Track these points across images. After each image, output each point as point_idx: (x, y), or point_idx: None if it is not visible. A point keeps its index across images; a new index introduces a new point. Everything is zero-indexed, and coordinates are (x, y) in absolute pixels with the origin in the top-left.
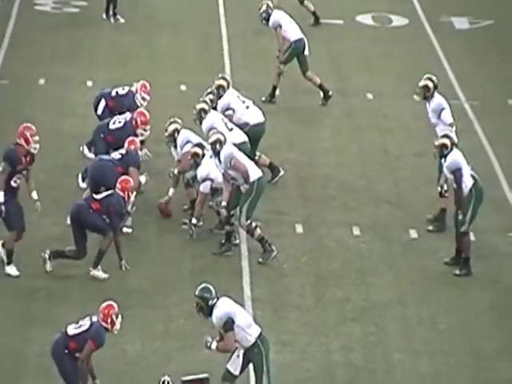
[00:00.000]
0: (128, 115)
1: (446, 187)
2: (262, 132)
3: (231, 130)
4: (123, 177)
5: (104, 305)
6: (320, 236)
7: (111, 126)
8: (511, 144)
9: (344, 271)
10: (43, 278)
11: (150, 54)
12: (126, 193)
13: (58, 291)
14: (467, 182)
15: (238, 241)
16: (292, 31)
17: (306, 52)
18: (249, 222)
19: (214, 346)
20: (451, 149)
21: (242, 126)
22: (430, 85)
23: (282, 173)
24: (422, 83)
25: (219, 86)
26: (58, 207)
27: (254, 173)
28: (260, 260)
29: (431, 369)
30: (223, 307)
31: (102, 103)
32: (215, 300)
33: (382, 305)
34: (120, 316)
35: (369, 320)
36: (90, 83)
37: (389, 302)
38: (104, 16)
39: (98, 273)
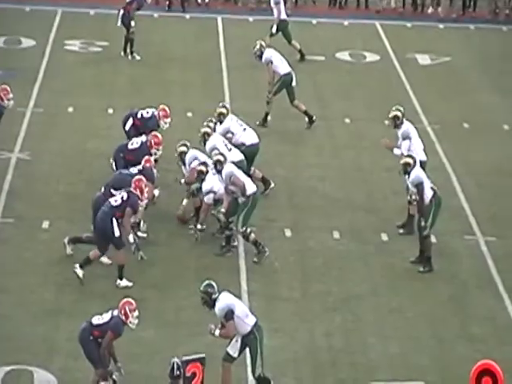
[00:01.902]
0: (144, 138)
1: (414, 197)
2: (257, 151)
3: (230, 150)
4: (137, 176)
5: (122, 301)
6: (305, 239)
7: (130, 147)
8: (466, 161)
9: (326, 268)
10: (72, 274)
11: (161, 85)
12: (139, 190)
13: (84, 286)
14: (428, 194)
15: (236, 243)
16: (281, 66)
17: (294, 83)
18: (244, 228)
19: (217, 333)
20: (413, 166)
21: (239, 146)
22: (399, 114)
23: (272, 185)
24: (392, 114)
25: (220, 113)
26: (84, 216)
27: (250, 188)
28: (255, 260)
29: (400, 350)
30: (224, 300)
31: (130, 121)
32: (217, 294)
33: (358, 297)
34: (137, 311)
35: (347, 310)
36: (110, 110)
37: (364, 294)
38: (122, 54)
39: (104, 259)
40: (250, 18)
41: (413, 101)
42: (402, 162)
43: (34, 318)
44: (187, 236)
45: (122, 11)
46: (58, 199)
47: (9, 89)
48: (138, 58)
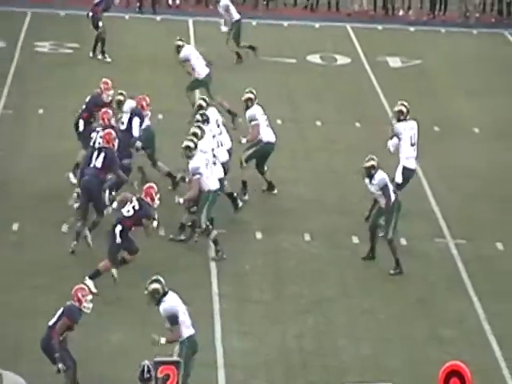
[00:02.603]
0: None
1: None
2: (271, 150)
3: (222, 145)
4: (148, 184)
5: (75, 288)
6: (278, 241)
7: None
8: (437, 164)
9: (298, 271)
10: (45, 276)
11: (133, 87)
12: (149, 197)
13: (55, 287)
14: (392, 197)
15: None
16: (201, 65)
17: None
18: (208, 223)
19: (163, 340)
20: (377, 169)
21: (256, 142)
22: (404, 110)
23: (275, 192)
24: (397, 108)
25: (248, 99)
26: (55, 217)
27: (213, 184)
28: (213, 257)
29: (371, 352)
30: (170, 302)
31: (81, 122)
32: (165, 291)
33: (330, 299)
34: (90, 296)
35: (319, 312)
36: None
37: (336, 296)
38: (91, 54)
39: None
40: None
41: (383, 104)
42: (366, 165)
43: (4, 319)
44: (158, 237)
45: (90, 13)
46: (27, 201)
47: None
48: (108, 60)
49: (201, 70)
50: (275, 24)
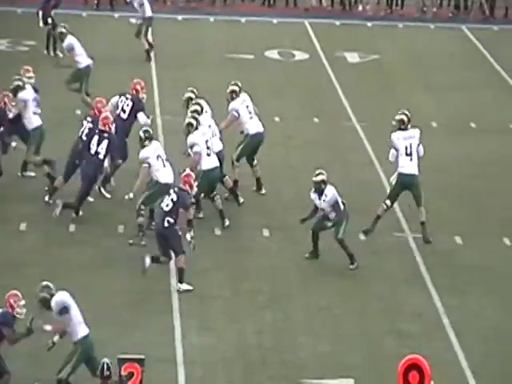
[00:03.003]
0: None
1: (388, 202)
2: (261, 141)
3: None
4: (185, 172)
5: (7, 294)
6: (236, 237)
7: (122, 115)
8: None
9: (257, 267)
10: (4, 275)
11: (90, 84)
12: (188, 185)
13: (17, 287)
14: (341, 207)
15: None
16: (83, 56)
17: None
18: (142, 206)
19: (48, 328)
20: (326, 185)
21: (242, 131)
22: (405, 119)
23: (263, 192)
24: (398, 117)
25: (232, 91)
26: (17, 215)
27: (163, 177)
28: (130, 241)
29: (329, 348)
30: (62, 296)
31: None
32: (52, 295)
33: (288, 295)
34: (23, 301)
35: (277, 308)
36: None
37: (294, 292)
38: (45, 52)
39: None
40: (179, 17)
41: (342, 99)
42: (315, 179)
43: None
44: (116, 235)
45: (41, 12)
46: None
47: None
48: (61, 55)
49: (83, 60)
50: (233, 20)
